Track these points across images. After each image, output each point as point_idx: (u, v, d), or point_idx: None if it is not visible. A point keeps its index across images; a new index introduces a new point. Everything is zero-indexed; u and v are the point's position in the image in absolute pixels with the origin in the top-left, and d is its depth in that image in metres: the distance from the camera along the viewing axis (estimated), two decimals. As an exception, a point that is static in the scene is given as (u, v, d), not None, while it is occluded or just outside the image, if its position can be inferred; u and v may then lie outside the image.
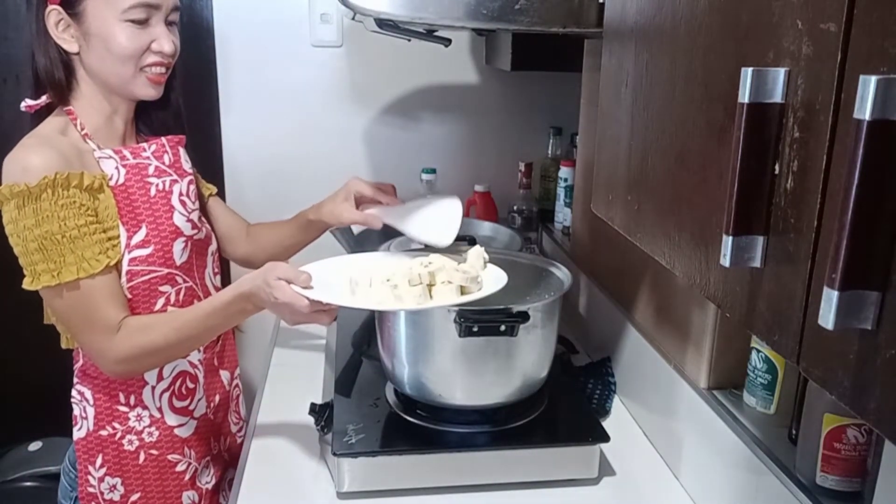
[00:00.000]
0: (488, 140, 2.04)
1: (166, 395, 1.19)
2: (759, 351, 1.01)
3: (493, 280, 1.08)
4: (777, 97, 0.48)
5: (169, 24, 1.14)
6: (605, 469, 1.16)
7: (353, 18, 1.19)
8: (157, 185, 1.15)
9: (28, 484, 1.87)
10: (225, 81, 1.91)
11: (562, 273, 1.22)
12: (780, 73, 0.48)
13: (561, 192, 1.83)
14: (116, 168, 1.11)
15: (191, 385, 1.23)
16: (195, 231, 1.20)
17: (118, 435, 1.17)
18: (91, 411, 1.17)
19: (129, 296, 1.12)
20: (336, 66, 1.93)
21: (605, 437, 1.12)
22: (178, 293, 1.18)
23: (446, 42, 1.43)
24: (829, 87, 0.43)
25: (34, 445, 1.95)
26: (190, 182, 1.21)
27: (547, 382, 1.20)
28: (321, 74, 1.93)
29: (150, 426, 1.19)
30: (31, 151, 1.04)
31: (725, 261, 0.51)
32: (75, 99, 1.13)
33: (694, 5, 0.61)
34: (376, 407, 1.21)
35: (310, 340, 1.62)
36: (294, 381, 1.44)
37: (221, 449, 1.33)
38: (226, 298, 1.07)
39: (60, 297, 1.06)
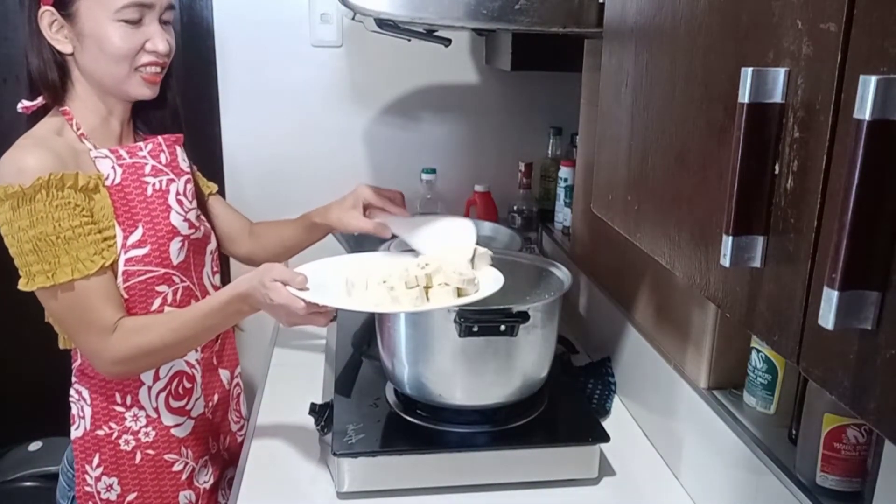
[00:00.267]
0: (488, 140, 2.04)
1: (163, 395, 1.19)
2: (759, 351, 1.01)
3: (490, 281, 1.07)
4: (777, 97, 0.48)
5: (163, 23, 1.13)
6: (605, 469, 1.16)
7: (353, 18, 1.19)
8: (153, 185, 1.15)
9: (28, 484, 1.87)
10: (225, 81, 1.91)
11: (562, 273, 1.22)
12: (780, 73, 0.48)
13: (561, 192, 1.83)
14: (113, 168, 1.11)
15: (188, 385, 1.22)
16: (192, 230, 1.20)
17: (115, 435, 1.17)
18: (88, 411, 1.17)
19: (126, 296, 1.12)
20: (336, 66, 1.93)
21: (605, 437, 1.12)
22: (175, 293, 1.18)
23: (446, 42, 1.43)
24: (829, 87, 0.43)
25: (34, 445, 1.95)
26: (187, 181, 1.21)
27: (547, 382, 1.20)
28: (321, 74, 1.93)
29: (146, 426, 1.19)
30: (25, 152, 1.04)
31: (725, 261, 0.51)
32: (70, 99, 1.13)
33: (694, 5, 0.61)
34: (376, 407, 1.21)
35: (310, 340, 1.62)
36: (294, 381, 1.44)
37: (221, 448, 1.33)
38: (222, 299, 1.07)
39: (55, 299, 1.06)
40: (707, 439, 1.07)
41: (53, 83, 1.11)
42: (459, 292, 1.03)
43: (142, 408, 1.18)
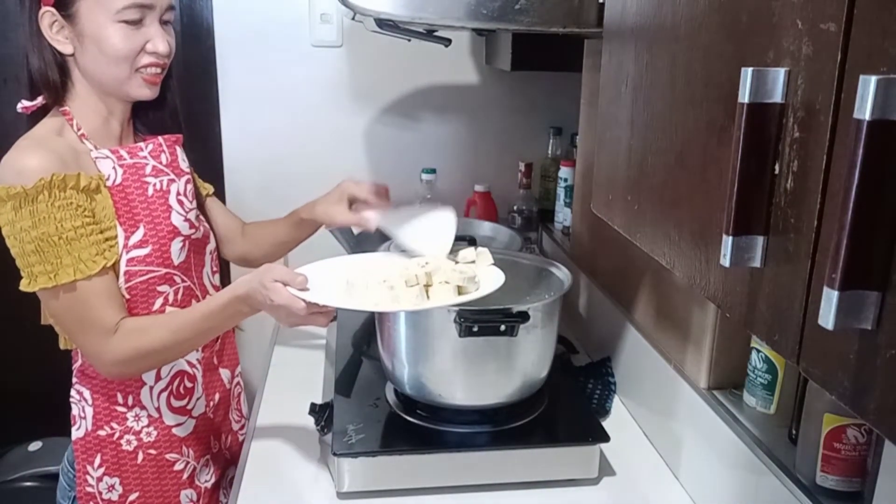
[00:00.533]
0: (488, 140, 2.04)
1: (164, 394, 1.19)
2: (759, 351, 1.01)
3: (491, 280, 1.07)
4: (777, 97, 0.48)
5: (164, 23, 1.13)
6: (605, 469, 1.16)
7: (353, 18, 1.19)
8: (154, 185, 1.15)
9: (28, 484, 1.87)
10: (225, 81, 1.91)
11: (562, 273, 1.22)
12: (780, 73, 0.48)
13: (561, 192, 1.83)
14: (113, 168, 1.11)
15: (189, 385, 1.23)
16: (193, 230, 1.20)
17: (116, 435, 1.17)
18: (89, 411, 1.17)
19: (128, 296, 1.12)
20: (336, 66, 1.93)
21: (605, 437, 1.12)
22: (176, 293, 1.18)
23: (446, 42, 1.43)
24: (829, 87, 0.43)
25: (34, 445, 1.95)
26: (187, 181, 1.21)
27: (547, 382, 1.20)
28: (321, 74, 1.93)
29: (148, 426, 1.19)
30: (26, 153, 1.04)
31: (725, 261, 0.51)
32: (71, 100, 1.13)
33: (694, 5, 0.61)
34: (376, 407, 1.21)
35: (310, 340, 1.62)
36: (294, 381, 1.44)
37: (222, 447, 1.33)
38: (222, 301, 1.07)
39: (57, 299, 1.06)
40: (707, 439, 1.07)
41: (54, 83, 1.11)
42: (460, 290, 1.03)
43: (143, 408, 1.18)
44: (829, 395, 0.44)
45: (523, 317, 1.06)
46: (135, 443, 1.18)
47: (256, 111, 1.93)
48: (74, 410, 1.19)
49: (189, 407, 1.23)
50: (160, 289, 1.15)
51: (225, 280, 1.28)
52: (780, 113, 0.48)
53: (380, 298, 1.02)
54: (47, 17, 1.07)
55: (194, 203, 1.22)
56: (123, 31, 1.08)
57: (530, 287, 1.25)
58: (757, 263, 0.51)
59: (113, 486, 1.18)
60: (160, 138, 1.19)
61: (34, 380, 1.92)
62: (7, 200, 1.02)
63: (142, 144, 1.17)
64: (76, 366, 1.19)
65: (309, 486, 1.13)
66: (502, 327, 1.06)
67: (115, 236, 1.10)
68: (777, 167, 0.49)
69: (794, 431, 0.95)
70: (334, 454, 1.07)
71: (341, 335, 1.50)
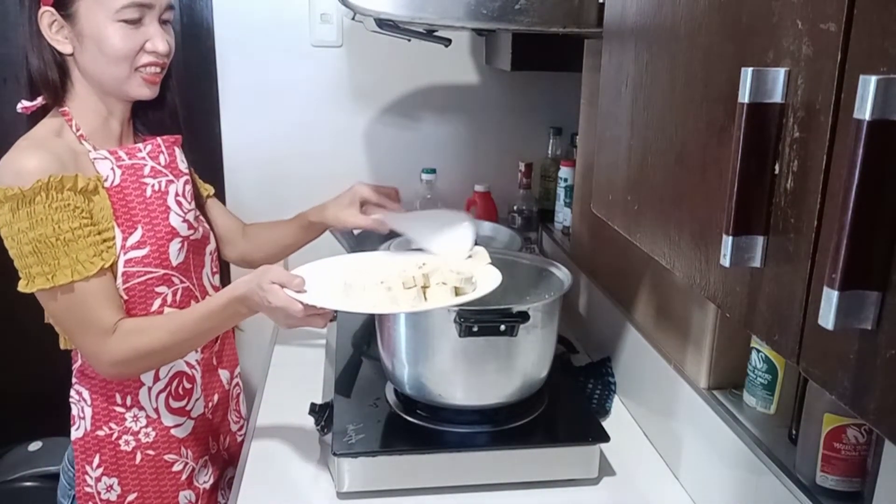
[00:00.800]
0: (488, 140, 2.04)
1: (163, 395, 1.19)
2: (759, 351, 1.01)
3: (488, 280, 1.08)
4: (777, 97, 0.48)
5: (163, 23, 1.13)
6: (605, 469, 1.16)
7: (353, 18, 1.19)
8: (152, 186, 1.15)
9: (28, 484, 1.87)
10: (225, 81, 1.91)
11: (562, 273, 1.22)
12: (780, 73, 0.48)
13: (561, 192, 1.83)
14: (112, 169, 1.11)
15: (188, 385, 1.22)
16: (191, 231, 1.20)
17: (115, 435, 1.17)
18: (88, 411, 1.17)
19: (126, 297, 1.12)
20: (336, 66, 1.93)
21: (605, 437, 1.12)
22: (174, 294, 1.18)
23: (446, 42, 1.43)
24: (829, 87, 0.43)
25: (34, 445, 1.95)
26: (186, 182, 1.21)
27: (547, 382, 1.20)
28: (321, 74, 1.93)
29: (146, 427, 1.19)
30: (24, 154, 1.04)
31: (725, 261, 0.51)
32: (70, 100, 1.13)
33: (694, 5, 0.61)
34: (376, 407, 1.21)
35: (310, 340, 1.62)
36: (294, 381, 1.44)
37: (221, 448, 1.33)
38: (220, 302, 1.07)
39: (55, 300, 1.06)
40: (707, 439, 1.07)
41: (53, 83, 1.11)
42: (457, 291, 1.03)
43: (142, 408, 1.18)
44: (829, 395, 0.44)
45: (523, 317, 1.06)
46: (133, 443, 1.18)
47: (256, 111, 1.93)
48: (74, 410, 1.19)
49: (188, 408, 1.23)
50: (158, 290, 1.15)
51: (225, 280, 1.28)
52: (780, 113, 0.48)
53: (378, 300, 1.02)
54: (47, 16, 1.07)
55: (193, 204, 1.22)
56: (123, 31, 1.08)
57: (530, 287, 1.25)
58: (757, 263, 0.51)
59: (111, 487, 1.18)
60: (159, 139, 1.19)
61: (34, 380, 1.92)
62: (5, 202, 1.02)
63: (140, 145, 1.17)
64: (76, 366, 1.19)
65: (309, 486, 1.13)
66: (502, 327, 1.06)
67: (113, 237, 1.10)
68: (777, 167, 0.49)
69: (794, 431, 0.95)
70: (334, 454, 1.07)
71: (341, 335, 1.50)
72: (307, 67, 1.91)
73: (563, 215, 1.83)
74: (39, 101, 1.13)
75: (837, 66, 0.43)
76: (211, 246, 1.28)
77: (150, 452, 1.19)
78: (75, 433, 1.18)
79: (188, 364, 1.22)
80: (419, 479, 1.10)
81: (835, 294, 0.39)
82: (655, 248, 0.69)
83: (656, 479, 1.16)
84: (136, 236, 1.11)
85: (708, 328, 1.08)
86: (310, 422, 1.19)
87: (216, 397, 1.30)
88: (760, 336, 0.52)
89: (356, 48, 1.92)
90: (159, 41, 1.11)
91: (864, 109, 0.37)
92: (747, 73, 0.48)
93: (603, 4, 0.85)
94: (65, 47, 1.09)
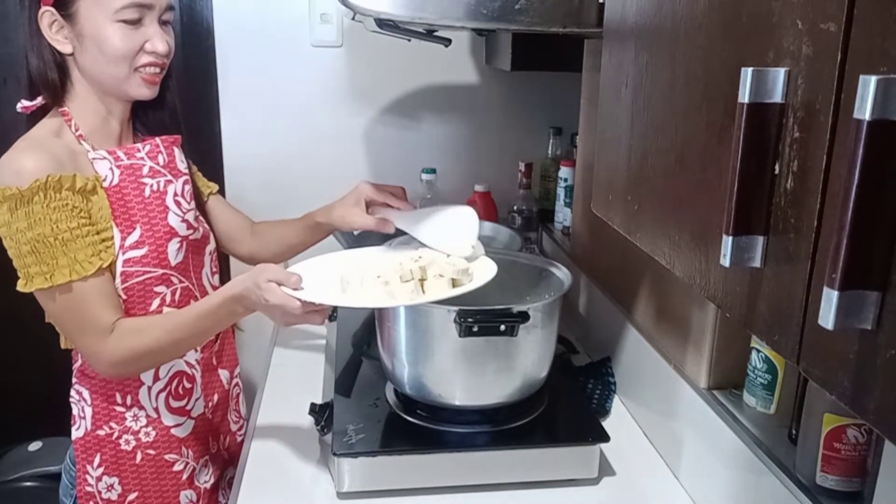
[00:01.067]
0: (488, 140, 2.04)
1: (163, 395, 1.19)
2: (759, 351, 1.01)
3: (484, 271, 1.08)
4: (777, 97, 0.48)
5: (163, 23, 1.13)
6: (605, 469, 1.16)
7: (353, 18, 1.19)
8: (151, 186, 1.15)
9: (28, 484, 1.87)
10: (225, 81, 1.91)
11: (562, 273, 1.22)
12: (780, 73, 0.48)
13: (561, 192, 1.83)
14: (111, 169, 1.11)
15: (188, 385, 1.22)
16: (190, 231, 1.20)
17: (115, 435, 1.17)
18: (89, 411, 1.17)
19: (124, 297, 1.12)
20: (336, 66, 1.93)
21: (605, 437, 1.12)
22: (173, 293, 1.18)
23: (446, 42, 1.43)
24: (829, 87, 0.43)
25: (34, 445, 1.95)
26: (185, 182, 1.21)
27: (547, 382, 1.20)
28: (321, 74, 1.93)
29: (146, 426, 1.19)
30: (23, 155, 1.04)
31: (725, 261, 0.51)
32: (70, 100, 1.13)
33: (694, 5, 0.61)
34: (376, 407, 1.21)
35: (310, 340, 1.62)
36: (294, 381, 1.44)
37: (221, 448, 1.33)
38: (216, 301, 1.07)
39: (53, 300, 1.06)
40: (707, 439, 1.07)
41: (53, 83, 1.11)
42: (454, 283, 1.03)
43: (142, 408, 1.18)
44: (829, 395, 0.44)
45: (523, 317, 1.06)
46: (133, 443, 1.18)
47: (256, 111, 1.93)
48: (74, 410, 1.19)
49: (188, 407, 1.23)
50: (157, 289, 1.15)
51: (225, 280, 1.28)
52: (780, 113, 0.48)
53: (375, 294, 1.02)
54: (47, 16, 1.07)
55: (192, 204, 1.22)
56: (122, 31, 1.08)
57: (530, 287, 1.25)
58: (757, 263, 0.51)
59: (112, 486, 1.18)
60: (158, 139, 1.19)
61: (34, 380, 1.92)
62: (3, 202, 1.02)
63: (139, 145, 1.17)
64: (76, 366, 1.19)
65: (309, 486, 1.13)
66: (502, 327, 1.06)
67: (112, 237, 1.10)
68: (777, 167, 0.49)
69: (794, 431, 0.95)
70: (334, 454, 1.07)
71: (341, 335, 1.50)
72: (307, 67, 1.91)
73: (563, 215, 1.83)
74: (39, 101, 1.13)
75: (837, 66, 0.43)
76: (211, 246, 1.28)
77: (151, 452, 1.19)
78: (76, 433, 1.18)
79: (188, 364, 1.22)
80: (419, 479, 1.10)
81: (835, 294, 0.39)
82: (655, 248, 0.69)
83: (656, 479, 1.16)
84: (134, 236, 1.11)
85: (708, 328, 1.08)
86: (310, 422, 1.19)
87: (216, 397, 1.30)
88: (760, 336, 0.52)
89: (356, 48, 1.92)
90: (159, 41, 1.11)
91: (864, 109, 0.37)
92: (747, 73, 0.48)
93: (603, 4, 0.85)
94: (65, 47, 1.09)
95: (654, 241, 0.70)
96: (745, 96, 0.48)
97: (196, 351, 1.23)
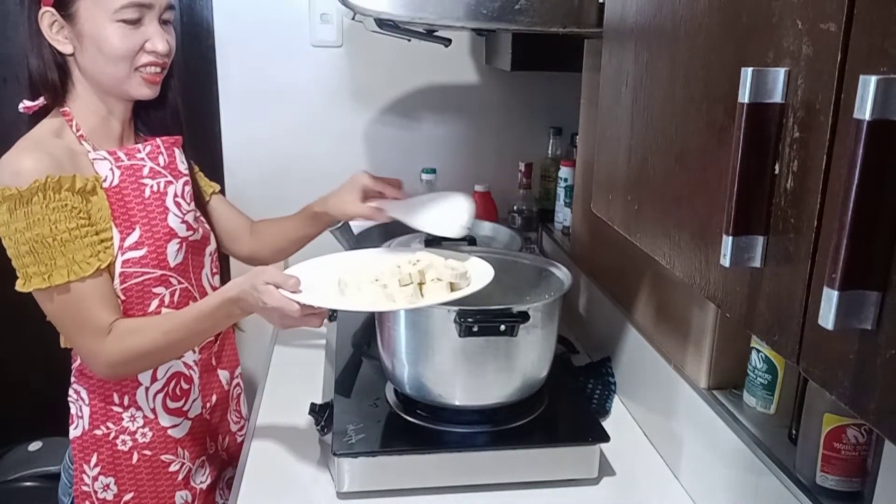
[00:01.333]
0: (488, 140, 2.04)
1: (160, 396, 1.19)
2: (759, 351, 1.01)
3: (482, 274, 1.08)
4: (777, 97, 0.48)
5: (163, 23, 1.13)
6: (605, 469, 1.16)
7: (353, 18, 1.19)
8: (151, 187, 1.15)
9: (28, 484, 1.87)
10: (225, 81, 1.91)
11: (562, 273, 1.22)
12: (780, 73, 0.48)
13: (561, 192, 1.83)
14: (111, 170, 1.11)
15: (185, 386, 1.22)
16: (190, 232, 1.20)
17: (112, 435, 1.17)
18: (86, 410, 1.17)
19: (123, 297, 1.12)
20: (336, 66, 1.93)
21: (605, 437, 1.12)
22: (172, 294, 1.18)
23: (446, 42, 1.43)
24: (829, 87, 0.43)
25: (34, 445, 1.95)
26: (185, 183, 1.21)
27: (547, 382, 1.20)
28: (321, 74, 1.93)
29: (143, 427, 1.19)
30: (22, 155, 1.04)
31: (725, 261, 0.51)
32: (71, 100, 1.13)
33: (694, 5, 0.61)
34: (376, 407, 1.21)
35: (310, 340, 1.62)
36: (294, 381, 1.44)
37: (219, 448, 1.33)
38: (213, 303, 1.07)
39: (52, 300, 1.06)
40: (707, 439, 1.07)
41: (53, 83, 1.11)
42: (452, 287, 1.03)
43: (139, 408, 1.18)
44: (829, 395, 0.44)
45: (523, 317, 1.06)
46: (130, 443, 1.18)
47: (256, 111, 1.93)
48: (72, 409, 1.19)
49: (185, 408, 1.23)
50: (156, 290, 1.15)
51: (225, 280, 1.28)
52: (780, 113, 0.48)
53: (374, 298, 1.02)
54: (47, 17, 1.07)
55: (193, 205, 1.22)
56: (122, 31, 1.08)
57: (530, 287, 1.25)
58: (757, 263, 0.51)
59: (108, 486, 1.18)
60: (158, 140, 1.19)
61: (34, 379, 1.92)
62: (3, 202, 1.02)
63: (139, 146, 1.17)
64: (75, 365, 1.19)
65: (309, 486, 1.13)
66: (502, 327, 1.06)
67: (111, 238, 1.10)
68: (777, 167, 0.49)
69: (794, 431, 0.95)
70: (334, 454, 1.07)
71: (341, 335, 1.50)
72: (307, 67, 1.91)
73: (563, 215, 1.83)
74: (41, 100, 1.13)
75: (837, 66, 0.43)
76: (211, 246, 1.28)
77: (147, 452, 1.19)
78: (74, 432, 1.18)
79: (186, 364, 1.22)
80: (419, 479, 1.10)
81: (835, 294, 0.39)
82: (655, 248, 0.69)
83: (656, 479, 1.16)
84: (133, 237, 1.11)
85: (708, 328, 1.08)
86: (310, 422, 1.19)
87: (214, 398, 1.30)
88: (760, 336, 0.52)
89: (356, 48, 1.92)
90: (159, 41, 1.11)
91: (864, 109, 0.37)
92: (747, 73, 0.48)
93: (603, 4, 0.85)
94: (65, 47, 1.09)
95: (654, 241, 0.70)
96: (745, 96, 0.48)
97: (194, 352, 1.23)
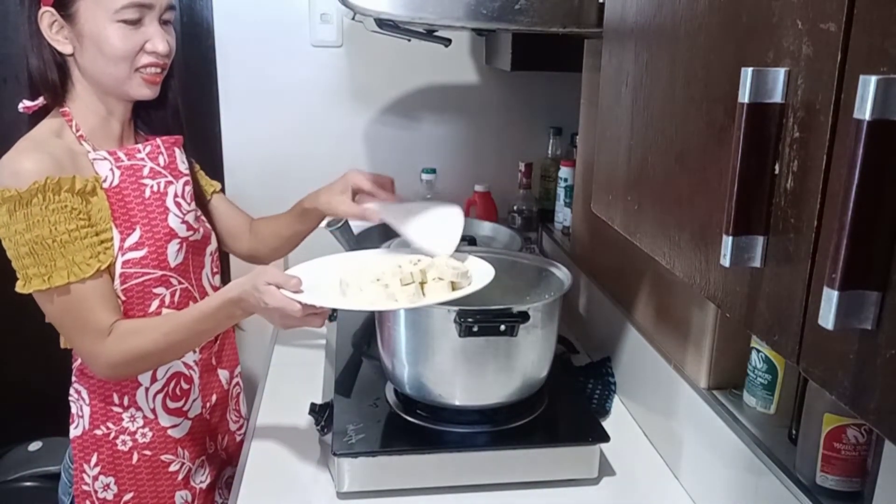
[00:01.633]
0: (488, 140, 2.04)
1: (160, 396, 1.19)
2: (759, 351, 1.01)
3: (482, 274, 1.08)
4: (777, 97, 0.48)
5: (164, 23, 1.13)
6: (605, 469, 1.16)
7: (353, 18, 1.19)
8: (151, 187, 1.15)
9: (28, 484, 1.87)
10: (225, 81, 1.91)
11: (562, 273, 1.22)
12: (780, 73, 0.48)
13: (561, 192, 1.83)
14: (111, 170, 1.11)
15: (185, 386, 1.22)
16: (191, 232, 1.20)
17: (112, 435, 1.17)
18: (87, 410, 1.17)
19: (124, 298, 1.12)
20: (336, 66, 1.93)
21: (605, 437, 1.12)
22: (172, 295, 1.18)
23: (446, 42, 1.43)
24: (829, 87, 0.43)
25: (34, 445, 1.95)
26: (186, 183, 1.21)
27: (547, 382, 1.20)
28: (321, 74, 1.93)
29: (143, 427, 1.19)
30: (22, 156, 1.04)
31: (725, 261, 0.51)
32: (71, 100, 1.13)
33: (694, 5, 0.61)
34: (376, 407, 1.21)
35: (310, 340, 1.62)
36: (294, 381, 1.44)
37: (218, 448, 1.33)
38: (214, 304, 1.06)
39: (51, 302, 1.06)
40: (707, 439, 1.07)
41: (53, 84, 1.11)
42: (454, 286, 1.03)
43: (139, 409, 1.18)
44: (829, 395, 0.44)
45: (523, 317, 1.06)
46: (130, 443, 1.18)
47: (256, 111, 1.93)
48: (73, 409, 1.19)
49: (185, 408, 1.23)
50: (156, 291, 1.15)
51: (226, 280, 1.28)
52: (780, 113, 0.48)
53: (376, 297, 1.01)
54: (47, 17, 1.07)
55: (193, 204, 1.22)
56: (122, 31, 1.08)
57: (530, 287, 1.25)
58: (757, 263, 0.51)
59: (108, 486, 1.18)
60: (158, 140, 1.19)
61: (35, 379, 1.92)
62: (2, 203, 1.02)
63: (139, 146, 1.17)
64: (76, 364, 1.19)
65: (309, 486, 1.13)
66: (502, 327, 1.06)
67: (111, 238, 1.10)
68: (777, 167, 0.49)
69: (794, 431, 0.95)
70: (334, 454, 1.07)
71: (341, 335, 1.50)
72: (307, 67, 1.91)
73: (563, 215, 1.83)
74: (41, 100, 1.13)
75: (837, 66, 0.43)
76: (212, 246, 1.28)
77: (147, 453, 1.19)
78: (74, 431, 1.18)
79: (186, 365, 1.22)
80: (419, 479, 1.10)
81: (835, 294, 0.39)
82: (655, 248, 0.69)
83: (656, 479, 1.17)
84: (134, 237, 1.11)
85: (708, 328, 1.08)
86: (310, 422, 1.19)
87: (214, 397, 1.30)
88: (760, 336, 0.52)
89: (356, 48, 1.92)
90: (159, 41, 1.11)
91: (864, 109, 0.37)
92: (747, 73, 0.48)
93: (603, 4, 0.85)
94: (65, 47, 1.09)
95: (654, 241, 0.70)
96: (745, 96, 0.48)
97: (195, 352, 1.23)
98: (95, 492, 1.18)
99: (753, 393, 1.02)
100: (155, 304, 1.15)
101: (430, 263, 1.06)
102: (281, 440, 1.24)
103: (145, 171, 1.15)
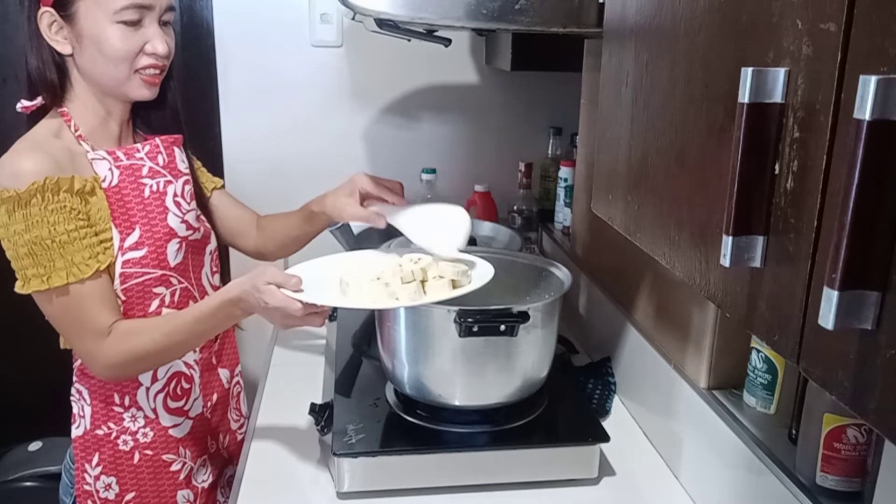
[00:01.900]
0: (488, 140, 2.04)
1: (161, 396, 1.19)
2: (759, 351, 1.01)
3: (482, 273, 1.08)
4: (777, 97, 0.48)
5: (163, 24, 1.13)
6: (605, 469, 1.16)
7: (353, 18, 1.19)
8: (151, 187, 1.14)
9: (28, 484, 1.87)
10: (225, 81, 1.91)
11: (562, 273, 1.22)
12: (780, 73, 0.48)
13: (561, 192, 1.83)
14: (110, 170, 1.11)
15: (186, 386, 1.22)
16: (190, 232, 1.19)
17: (113, 435, 1.17)
18: (88, 410, 1.17)
19: (123, 298, 1.12)
20: (336, 66, 1.93)
21: (605, 437, 1.12)
22: (172, 294, 1.18)
23: (446, 42, 1.43)
24: (829, 87, 0.43)
25: (34, 445, 1.95)
26: (185, 182, 1.21)
27: (547, 382, 1.20)
28: (321, 74, 1.93)
29: (144, 427, 1.19)
30: (21, 156, 1.04)
31: (725, 261, 0.51)
32: (69, 100, 1.13)
33: (694, 5, 0.61)
34: (376, 407, 1.21)
35: (310, 340, 1.62)
36: (294, 381, 1.44)
37: (220, 447, 1.33)
38: (213, 304, 1.06)
39: (51, 302, 1.06)
40: (707, 439, 1.07)
41: (52, 84, 1.11)
42: (454, 284, 1.03)
43: (140, 408, 1.18)
44: (829, 395, 0.44)
45: (523, 317, 1.06)
46: (131, 443, 1.18)
47: (256, 111, 1.93)
48: (74, 408, 1.19)
49: (186, 408, 1.23)
50: (156, 290, 1.15)
51: (226, 280, 1.28)
52: (780, 113, 0.48)
53: (377, 296, 1.01)
54: (46, 17, 1.07)
55: (193, 204, 1.22)
56: (122, 32, 1.07)
57: (530, 287, 1.25)
58: (757, 263, 0.51)
59: (110, 486, 1.18)
60: (157, 139, 1.19)
61: (35, 379, 1.92)
62: (1, 204, 1.02)
63: (139, 146, 1.17)
64: (76, 364, 1.19)
65: (309, 486, 1.13)
66: (502, 327, 1.06)
67: (110, 238, 1.10)
68: (777, 167, 0.49)
69: (794, 431, 0.95)
70: (334, 454, 1.07)
71: (341, 335, 1.50)
72: (307, 67, 1.91)
73: (563, 215, 1.83)
74: (39, 100, 1.13)
75: (837, 66, 0.43)
76: (211, 245, 1.28)
77: (148, 452, 1.19)
78: (75, 431, 1.18)
79: (186, 364, 1.22)
80: (419, 479, 1.10)
81: (835, 294, 0.39)
82: (655, 248, 0.69)
83: (656, 479, 1.16)
84: (133, 237, 1.11)
85: (708, 328, 1.08)
86: (310, 422, 1.19)
87: (215, 396, 1.30)
88: (760, 336, 0.52)
89: (356, 48, 1.92)
90: (159, 43, 1.10)
91: (864, 109, 0.37)
92: (747, 73, 0.48)
93: (603, 4, 0.85)
94: (64, 48, 1.09)
95: (654, 241, 0.70)
96: (745, 96, 0.48)
97: (195, 351, 1.23)
98: (97, 492, 1.18)
99: (753, 393, 1.02)
100: (155, 303, 1.15)
101: (431, 262, 1.06)
102: (281, 440, 1.24)
103: (144, 171, 1.15)
